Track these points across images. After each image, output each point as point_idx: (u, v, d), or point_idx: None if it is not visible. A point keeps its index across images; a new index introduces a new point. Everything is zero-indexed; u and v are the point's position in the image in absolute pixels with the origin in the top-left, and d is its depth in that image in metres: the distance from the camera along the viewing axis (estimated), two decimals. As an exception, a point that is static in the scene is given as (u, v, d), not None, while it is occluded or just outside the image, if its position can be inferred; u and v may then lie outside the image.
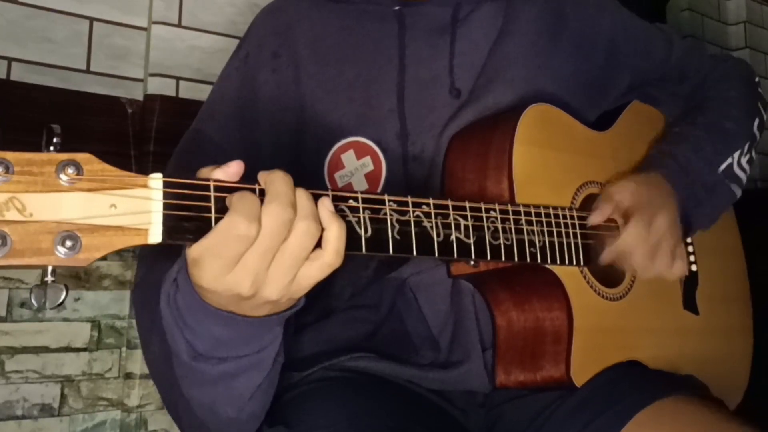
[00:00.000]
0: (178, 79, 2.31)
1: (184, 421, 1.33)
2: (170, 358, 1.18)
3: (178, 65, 2.32)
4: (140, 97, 2.29)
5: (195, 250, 1.00)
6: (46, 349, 2.11)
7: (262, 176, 1.02)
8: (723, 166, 1.72)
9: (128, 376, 2.21)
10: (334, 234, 1.03)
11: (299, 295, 1.08)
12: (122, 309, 2.23)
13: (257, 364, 1.17)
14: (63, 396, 2.13)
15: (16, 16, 2.11)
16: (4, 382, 2.04)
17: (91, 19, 2.23)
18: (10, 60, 2.09)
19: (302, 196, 1.02)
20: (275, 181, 1.00)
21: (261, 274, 1.00)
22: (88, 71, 2.21)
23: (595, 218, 1.51)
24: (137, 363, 2.19)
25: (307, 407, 1.43)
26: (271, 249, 0.99)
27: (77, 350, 2.16)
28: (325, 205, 1.04)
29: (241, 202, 0.97)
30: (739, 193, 1.77)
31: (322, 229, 1.03)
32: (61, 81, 2.16)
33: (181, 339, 1.12)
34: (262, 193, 1.02)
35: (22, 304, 2.07)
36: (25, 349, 2.08)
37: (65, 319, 2.14)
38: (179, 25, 2.34)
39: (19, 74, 2.09)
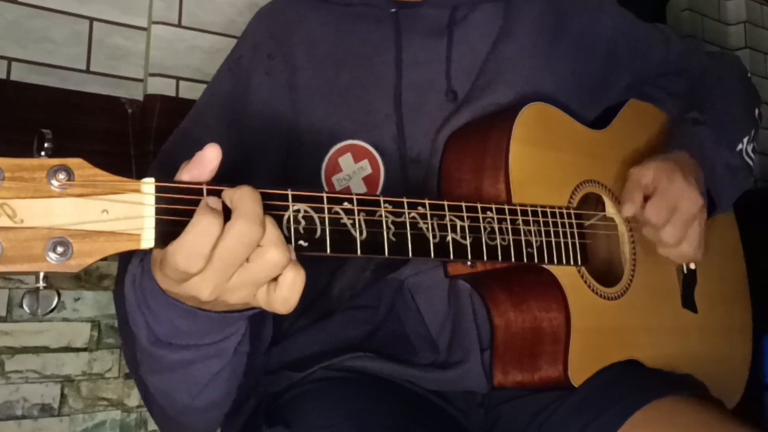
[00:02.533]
0: (178, 79, 2.31)
1: (153, 409, 1.34)
2: (135, 344, 1.18)
3: (178, 65, 2.32)
4: (140, 97, 2.28)
5: (156, 254, 1.00)
6: (46, 349, 2.11)
7: (228, 193, 0.98)
8: (737, 149, 1.74)
9: (128, 376, 2.20)
10: (288, 280, 0.99)
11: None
12: (122, 309, 2.23)
13: (217, 354, 1.17)
14: (63, 396, 2.13)
15: (16, 16, 2.11)
16: (4, 382, 2.04)
17: (91, 19, 2.23)
18: (10, 60, 2.09)
19: (271, 223, 0.98)
20: (243, 197, 0.96)
21: (220, 285, 0.99)
22: (88, 71, 2.21)
23: (628, 210, 1.51)
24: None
25: (307, 407, 1.43)
26: (232, 265, 0.97)
27: (77, 350, 2.16)
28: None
29: (191, 232, 0.94)
30: (752, 180, 1.78)
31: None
32: (61, 81, 2.15)
33: (142, 322, 1.13)
34: None
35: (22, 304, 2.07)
36: (25, 349, 2.08)
37: (65, 319, 2.14)
38: (179, 25, 2.34)
39: (19, 74, 2.09)
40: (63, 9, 2.19)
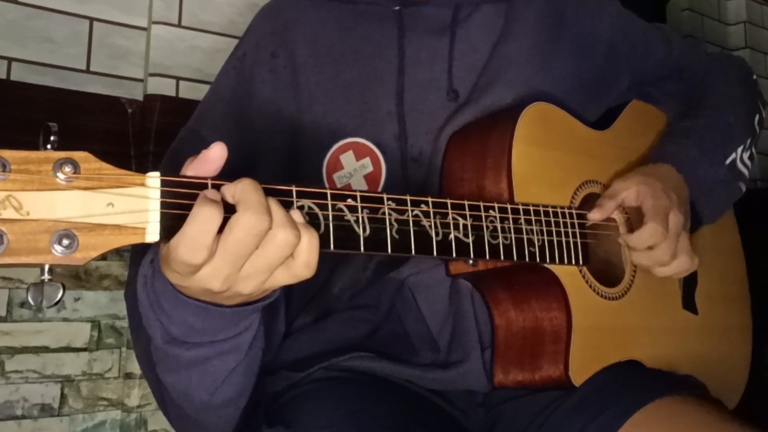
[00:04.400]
0: (178, 79, 2.31)
1: (169, 410, 1.35)
2: (150, 344, 1.19)
3: (178, 65, 2.32)
4: (140, 97, 2.29)
5: (163, 249, 1.00)
6: (46, 349, 2.11)
7: (229, 188, 0.99)
8: (728, 161, 1.73)
9: (128, 376, 2.21)
10: (304, 245, 1.00)
11: (271, 290, 1.09)
12: (122, 309, 2.22)
13: (232, 349, 1.17)
14: (63, 396, 2.13)
15: (16, 16, 2.11)
16: (4, 382, 2.04)
17: (91, 19, 2.23)
18: (10, 60, 2.09)
19: (275, 204, 0.99)
20: (246, 189, 0.97)
21: (232, 275, 1.00)
22: (88, 71, 2.21)
23: (595, 215, 1.51)
24: (137, 363, 2.18)
25: (307, 407, 1.43)
26: (243, 257, 0.98)
27: (77, 350, 2.16)
28: (295, 217, 1.01)
29: (192, 223, 0.95)
30: (743, 188, 1.78)
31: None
32: (61, 81, 2.15)
33: (156, 323, 1.13)
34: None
35: (22, 304, 2.07)
36: (25, 349, 2.08)
37: (65, 319, 2.14)
38: (179, 25, 2.34)
39: (19, 74, 2.09)
40: (63, 9, 2.19)
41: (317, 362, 1.51)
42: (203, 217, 0.94)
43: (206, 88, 1.66)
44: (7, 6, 2.10)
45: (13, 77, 2.08)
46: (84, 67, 2.21)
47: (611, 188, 1.56)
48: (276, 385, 1.54)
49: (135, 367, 2.20)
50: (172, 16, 2.33)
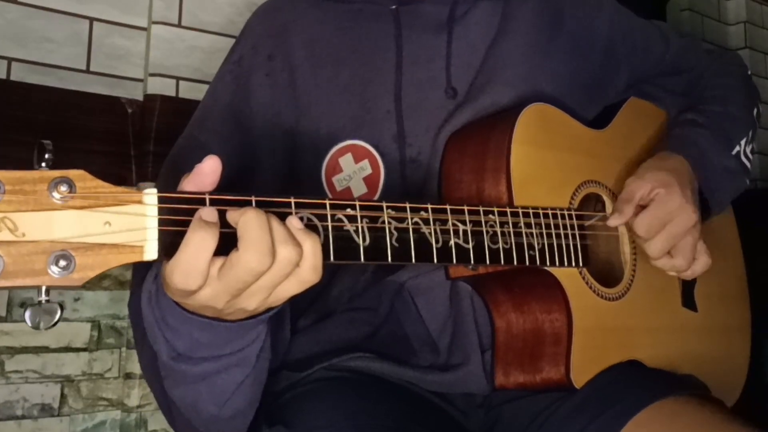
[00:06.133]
0: (178, 79, 2.31)
1: (177, 421, 1.34)
2: (156, 359, 1.19)
3: (178, 65, 2.32)
4: (140, 97, 2.28)
5: (164, 268, 1.00)
6: (46, 349, 2.11)
7: (233, 217, 0.98)
8: (734, 152, 1.73)
9: (128, 376, 2.21)
10: (309, 250, 1.00)
11: (277, 305, 1.08)
12: (122, 309, 2.23)
13: (239, 362, 1.17)
14: (63, 396, 2.13)
15: (16, 16, 2.11)
16: (4, 382, 2.04)
17: (91, 19, 2.22)
18: (10, 60, 2.08)
19: (275, 221, 0.99)
20: (249, 224, 0.96)
21: (234, 298, 1.00)
22: (88, 71, 2.20)
23: (615, 221, 1.51)
24: (137, 363, 2.18)
25: (307, 407, 1.43)
26: (243, 289, 0.99)
27: (77, 350, 2.16)
28: (293, 224, 1.01)
29: (185, 249, 0.94)
30: (747, 182, 1.78)
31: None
32: (61, 81, 2.15)
33: (162, 338, 1.13)
34: (257, 204, 1.01)
35: (22, 304, 2.07)
36: (25, 349, 2.08)
37: (65, 319, 2.14)
38: (179, 25, 2.33)
39: (19, 74, 2.09)
40: (63, 9, 2.18)
41: (317, 362, 1.51)
42: (196, 244, 0.93)
43: (206, 88, 1.65)
44: (7, 6, 2.10)
45: (13, 77, 2.08)
46: (84, 67, 2.20)
47: (626, 189, 1.55)
48: (276, 385, 1.54)
49: (135, 367, 2.20)
50: (172, 16, 2.32)
